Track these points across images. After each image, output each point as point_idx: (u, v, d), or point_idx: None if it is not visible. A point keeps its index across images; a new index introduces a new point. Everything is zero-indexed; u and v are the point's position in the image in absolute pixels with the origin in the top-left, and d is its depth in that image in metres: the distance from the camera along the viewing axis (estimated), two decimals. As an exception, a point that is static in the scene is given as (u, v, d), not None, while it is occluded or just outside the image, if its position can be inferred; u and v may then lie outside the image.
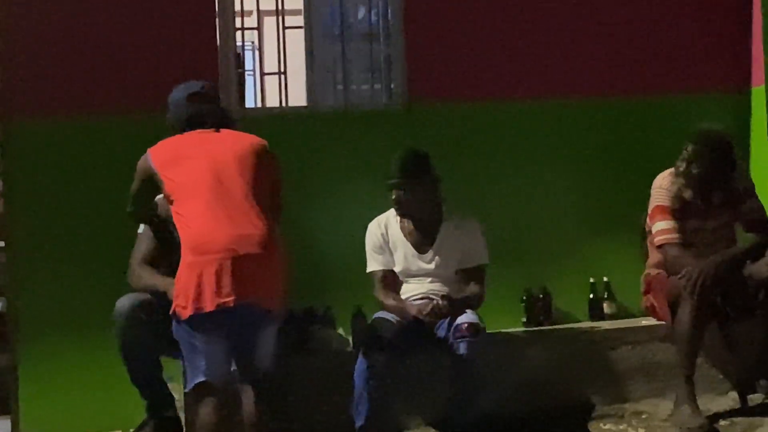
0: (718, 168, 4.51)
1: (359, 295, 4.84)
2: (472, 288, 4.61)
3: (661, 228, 4.60)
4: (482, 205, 5.14)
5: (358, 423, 4.36)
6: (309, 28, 5.43)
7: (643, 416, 4.67)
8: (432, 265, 4.66)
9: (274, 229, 3.70)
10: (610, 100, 5.52)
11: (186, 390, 3.69)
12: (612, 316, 5.30)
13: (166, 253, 4.18)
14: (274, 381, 3.78)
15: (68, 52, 4.98)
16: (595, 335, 4.99)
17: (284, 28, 5.48)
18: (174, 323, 3.59)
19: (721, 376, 4.83)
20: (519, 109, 5.44)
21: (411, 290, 4.68)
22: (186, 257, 3.57)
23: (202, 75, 4.45)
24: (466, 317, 4.43)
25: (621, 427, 4.59)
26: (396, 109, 5.38)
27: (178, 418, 4.33)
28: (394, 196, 4.62)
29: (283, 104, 5.43)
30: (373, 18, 5.73)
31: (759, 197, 4.73)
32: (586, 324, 5.23)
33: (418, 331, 4.49)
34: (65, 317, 4.86)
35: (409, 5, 5.36)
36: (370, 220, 4.76)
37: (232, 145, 3.81)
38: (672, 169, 4.64)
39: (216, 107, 4.04)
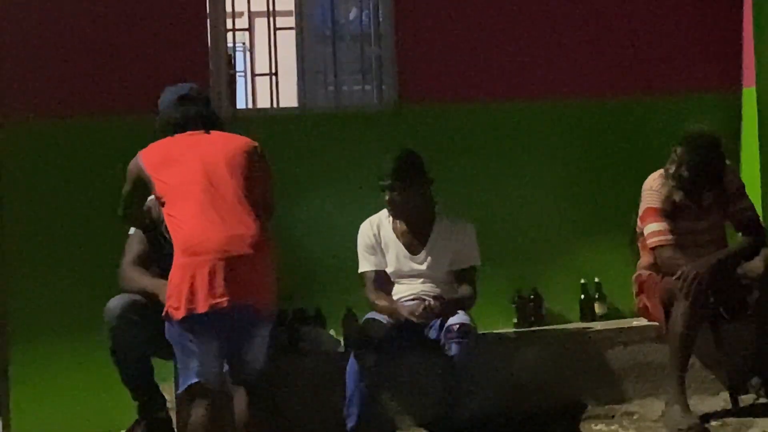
0: (708, 169, 4.53)
1: (350, 296, 4.84)
2: (464, 289, 4.62)
3: (653, 230, 4.61)
4: (472, 206, 5.13)
5: (350, 424, 4.36)
6: (300, 29, 5.43)
7: (635, 417, 4.67)
8: (424, 266, 4.66)
9: (266, 230, 3.70)
10: (601, 102, 5.52)
11: (178, 391, 3.69)
12: (603, 317, 5.30)
13: (158, 255, 4.18)
14: (266, 382, 3.77)
15: (59, 53, 4.96)
16: (586, 336, 4.99)
17: (275, 29, 5.48)
18: (166, 324, 3.59)
19: (712, 377, 4.84)
20: (510, 111, 5.44)
21: (402, 291, 4.68)
22: (178, 258, 3.57)
23: (194, 76, 4.45)
24: (458, 318, 4.43)
25: (612, 427, 4.60)
26: (387, 111, 5.38)
27: (169, 420, 4.32)
28: (387, 197, 4.62)
29: (274, 105, 5.43)
30: (364, 19, 5.73)
31: (749, 197, 4.75)
32: (577, 325, 5.23)
33: (409, 332, 4.50)
34: (56, 319, 4.85)
35: (400, 7, 5.36)
36: (362, 220, 4.76)
37: (222, 147, 3.82)
38: (662, 170, 4.65)
39: (206, 109, 4.04)
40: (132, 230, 4.31)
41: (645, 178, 4.75)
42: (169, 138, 3.90)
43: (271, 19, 5.46)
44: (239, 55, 7.80)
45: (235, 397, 3.69)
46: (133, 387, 4.24)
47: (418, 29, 5.36)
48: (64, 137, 4.96)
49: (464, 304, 4.58)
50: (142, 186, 3.80)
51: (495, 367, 4.67)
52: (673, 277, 4.45)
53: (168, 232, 3.74)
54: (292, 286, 4.55)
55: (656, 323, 4.74)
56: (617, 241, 5.16)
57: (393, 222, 4.70)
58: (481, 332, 4.54)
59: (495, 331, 5.01)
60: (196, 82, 4.25)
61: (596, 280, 5.35)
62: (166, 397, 4.33)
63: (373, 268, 4.68)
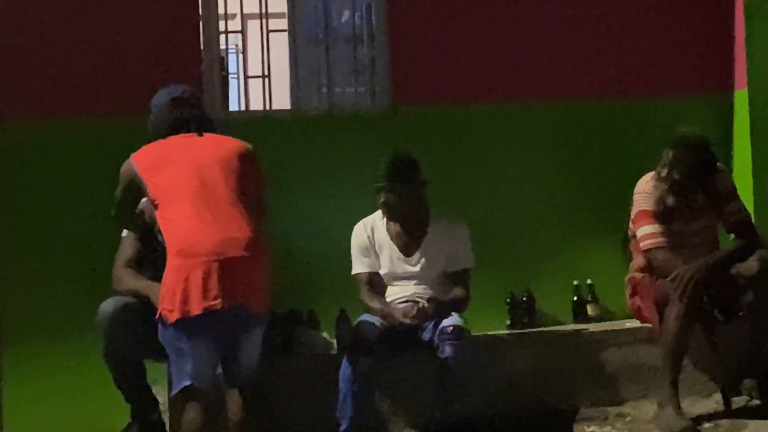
0: (699, 172, 4.54)
1: (344, 298, 4.84)
2: (457, 291, 4.63)
3: (646, 232, 4.62)
4: (465, 208, 5.13)
5: (343, 426, 4.37)
6: (293, 31, 5.43)
7: (627, 418, 4.68)
8: (417, 268, 4.66)
9: (260, 232, 3.71)
10: (594, 103, 5.53)
11: (172, 393, 3.68)
12: (596, 319, 5.31)
13: (151, 257, 4.18)
14: (260, 384, 3.77)
15: (52, 55, 4.97)
16: (579, 337, 5.00)
17: (268, 31, 5.48)
18: (160, 326, 3.59)
19: (705, 378, 4.84)
20: (502, 112, 5.44)
21: (396, 293, 4.68)
22: (172, 261, 3.57)
23: (186, 78, 4.45)
24: (451, 320, 4.43)
25: (605, 429, 4.60)
26: (380, 112, 5.38)
27: (162, 422, 4.32)
28: (382, 199, 4.62)
29: (267, 107, 5.43)
30: (357, 21, 5.73)
31: (741, 199, 4.76)
32: (570, 326, 5.24)
33: (402, 334, 4.50)
34: (49, 320, 4.85)
35: (392, 8, 5.37)
36: (355, 222, 4.76)
37: (216, 149, 3.82)
38: (654, 173, 4.66)
39: (199, 111, 4.04)
40: (125, 232, 4.31)
41: (637, 179, 4.76)
42: (161, 140, 3.90)
43: (264, 21, 5.46)
44: (232, 58, 7.79)
45: (229, 399, 3.69)
46: (126, 389, 4.23)
47: (410, 31, 5.37)
48: (56, 139, 4.97)
49: (458, 306, 4.58)
50: (136, 188, 3.80)
51: (488, 368, 4.67)
52: (668, 279, 4.46)
53: (161, 234, 3.74)
54: (285, 288, 4.55)
55: (649, 325, 4.75)
56: (610, 243, 5.16)
57: (387, 224, 4.70)
58: (474, 334, 4.54)
59: (488, 333, 5.02)
60: (189, 84, 4.25)
61: (589, 281, 5.36)
62: (159, 399, 4.33)
63: (367, 270, 4.68)
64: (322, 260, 5.10)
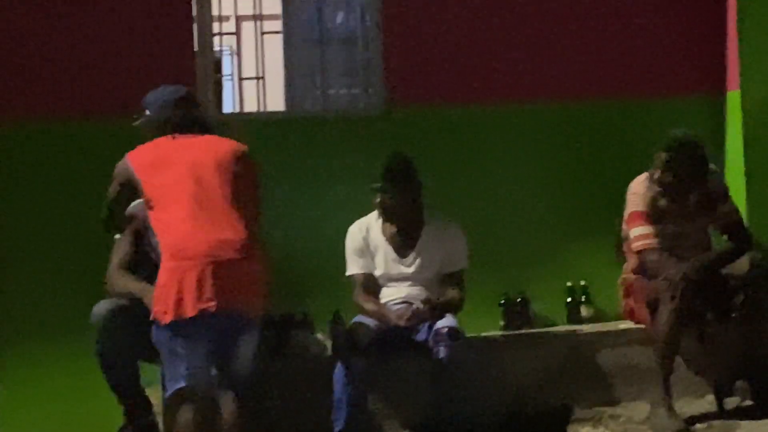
0: (691, 173, 4.54)
1: (338, 300, 4.84)
2: (452, 292, 4.62)
3: (638, 234, 4.63)
4: (459, 209, 5.13)
5: (337, 428, 4.36)
6: (287, 32, 5.44)
7: (621, 419, 4.69)
8: (412, 269, 4.66)
9: (255, 234, 3.70)
10: (587, 104, 5.53)
11: (166, 395, 3.67)
12: (589, 320, 5.31)
13: (144, 259, 4.17)
14: (254, 386, 3.77)
15: (45, 56, 4.96)
16: (573, 339, 5.00)
17: (262, 32, 5.48)
18: (154, 328, 3.59)
19: (698, 379, 4.85)
20: (496, 114, 5.45)
21: (390, 294, 4.68)
22: (167, 262, 3.56)
23: (180, 80, 4.43)
24: (446, 322, 4.44)
25: (599, 430, 4.61)
26: (374, 114, 5.38)
27: (155, 424, 4.30)
28: (378, 200, 4.62)
29: (262, 109, 5.43)
30: (352, 22, 5.74)
31: (734, 200, 4.77)
32: (564, 328, 5.25)
33: (397, 335, 4.50)
34: (43, 323, 4.84)
35: (387, 10, 5.36)
36: (349, 224, 4.76)
37: (212, 151, 3.80)
38: (647, 174, 4.67)
39: (201, 113, 4.03)
40: (118, 234, 4.29)
41: (631, 181, 4.77)
42: (156, 141, 3.86)
43: (258, 22, 5.46)
44: (226, 59, 7.77)
45: (223, 401, 3.68)
46: (120, 391, 4.22)
47: (405, 33, 5.36)
48: (50, 140, 4.96)
49: (452, 307, 4.58)
50: (130, 189, 3.78)
51: (482, 370, 4.66)
52: (659, 280, 4.46)
53: (154, 236, 3.73)
54: (280, 290, 4.55)
55: (642, 326, 4.76)
56: (603, 245, 5.17)
57: (382, 225, 4.70)
58: (468, 335, 4.54)
59: (482, 335, 5.02)
60: (183, 85, 4.24)
61: (583, 283, 5.36)
62: (153, 401, 4.32)
63: (362, 271, 4.68)
64: (317, 262, 5.09)
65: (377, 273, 4.69)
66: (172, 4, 5.15)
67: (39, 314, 4.84)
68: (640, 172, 4.74)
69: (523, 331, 5.21)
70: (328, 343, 4.83)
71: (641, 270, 4.71)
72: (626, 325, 4.98)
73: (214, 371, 3.65)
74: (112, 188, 3.85)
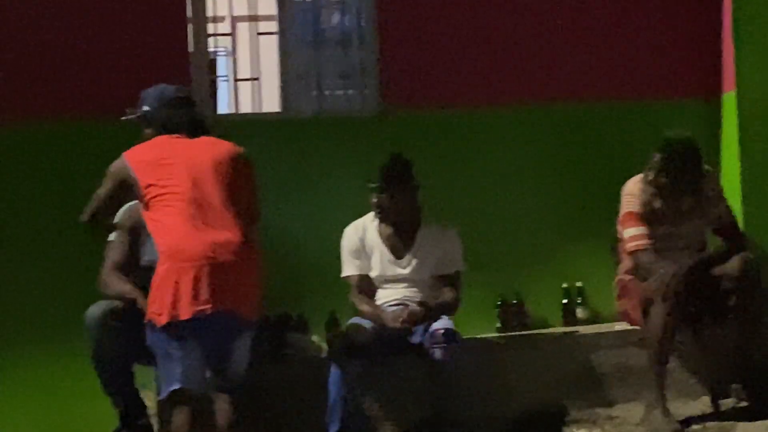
0: (686, 175, 4.54)
1: (334, 301, 4.83)
2: (448, 294, 4.63)
3: (632, 234, 4.63)
4: (455, 211, 5.13)
5: (332, 430, 4.35)
6: (283, 34, 5.43)
7: (617, 421, 4.68)
8: (407, 271, 4.66)
9: (252, 236, 3.69)
10: (583, 106, 5.54)
11: (161, 397, 3.66)
12: (585, 321, 5.33)
13: (139, 260, 4.16)
14: (249, 388, 3.76)
15: (40, 57, 4.95)
16: (569, 340, 5.01)
17: (258, 33, 5.47)
18: (148, 330, 3.56)
19: (693, 381, 4.86)
20: (491, 116, 5.45)
21: (386, 296, 4.68)
22: (162, 264, 3.54)
23: (175, 81, 4.42)
24: (442, 323, 4.44)
25: (594, 431, 4.61)
26: (370, 116, 5.38)
27: (150, 427, 4.30)
28: (375, 200, 4.62)
29: (257, 110, 5.42)
30: (347, 24, 5.73)
31: (728, 202, 4.77)
32: (560, 329, 5.26)
33: (393, 337, 4.49)
34: (37, 325, 4.83)
35: (382, 12, 5.37)
36: (345, 225, 4.75)
37: (209, 152, 3.78)
38: (641, 175, 4.67)
39: (199, 114, 4.02)
40: (112, 236, 4.28)
41: (626, 182, 4.77)
42: (153, 141, 3.84)
43: (254, 23, 5.46)
44: (221, 60, 7.77)
45: (218, 403, 3.67)
46: (114, 394, 4.21)
47: (400, 34, 5.37)
48: (44, 140, 4.95)
49: (448, 309, 4.58)
50: (125, 188, 3.74)
51: (478, 372, 4.66)
52: (651, 280, 4.46)
53: (149, 237, 3.71)
54: (275, 291, 4.54)
55: (637, 327, 4.76)
56: (599, 246, 5.17)
57: (378, 226, 4.70)
58: (464, 337, 4.54)
59: (478, 336, 5.02)
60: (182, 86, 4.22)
61: (578, 284, 5.37)
62: (147, 403, 4.31)
63: (357, 273, 4.68)
64: (313, 263, 5.10)
65: (373, 274, 4.69)
66: (167, 4, 5.14)
67: (34, 316, 4.83)
68: (635, 174, 4.74)
69: (518, 332, 5.21)
70: (324, 345, 4.82)
71: (635, 271, 4.71)
72: (622, 326, 4.98)
73: (208, 373, 3.64)
74: (104, 188, 3.78)
